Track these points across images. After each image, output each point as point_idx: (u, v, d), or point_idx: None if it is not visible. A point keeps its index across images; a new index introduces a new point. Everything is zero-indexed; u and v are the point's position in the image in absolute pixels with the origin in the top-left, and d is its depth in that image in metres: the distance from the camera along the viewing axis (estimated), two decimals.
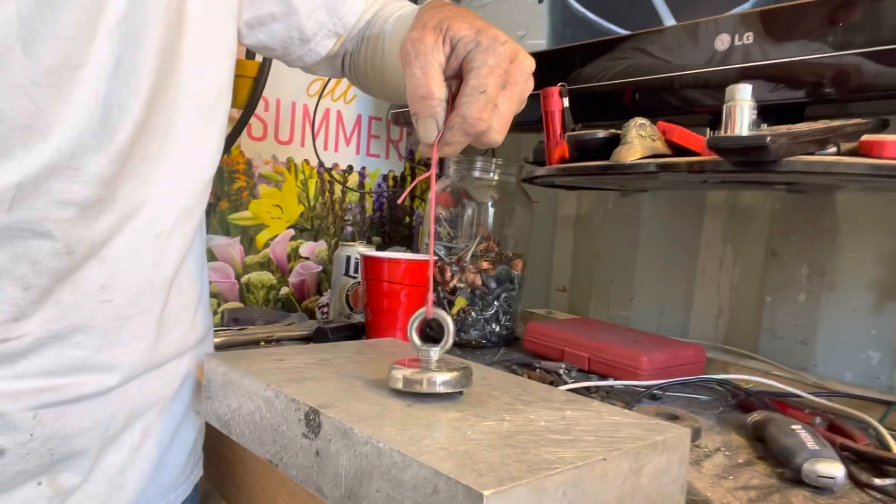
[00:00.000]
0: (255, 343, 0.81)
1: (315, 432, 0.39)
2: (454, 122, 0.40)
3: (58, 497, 0.45)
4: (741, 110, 0.57)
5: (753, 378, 0.72)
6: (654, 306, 1.04)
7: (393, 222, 1.32)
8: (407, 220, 1.34)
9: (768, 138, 0.48)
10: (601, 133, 0.67)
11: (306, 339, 0.85)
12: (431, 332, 0.79)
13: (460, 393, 0.44)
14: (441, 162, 1.37)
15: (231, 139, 1.01)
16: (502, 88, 0.40)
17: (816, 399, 0.67)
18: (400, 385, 0.42)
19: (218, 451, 0.65)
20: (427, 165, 1.35)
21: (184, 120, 0.47)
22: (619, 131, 0.67)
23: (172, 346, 0.52)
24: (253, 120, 1.08)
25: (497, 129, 0.41)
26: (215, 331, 0.82)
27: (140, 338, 0.48)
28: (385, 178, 1.29)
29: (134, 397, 0.49)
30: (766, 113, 0.62)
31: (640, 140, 0.63)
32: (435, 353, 0.45)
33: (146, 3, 0.42)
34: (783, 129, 0.55)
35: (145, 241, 0.46)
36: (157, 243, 0.47)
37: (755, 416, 0.59)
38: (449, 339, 0.45)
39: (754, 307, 0.90)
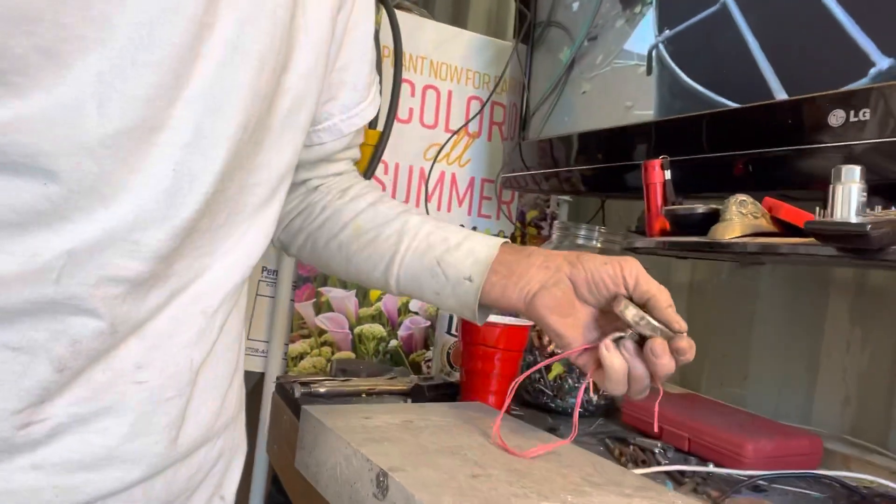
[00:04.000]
0: (356, 394, 0.86)
1: (384, 493, 0.42)
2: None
3: None
4: (848, 193, 0.55)
5: (878, 479, 0.65)
6: (772, 387, 0.97)
7: None
8: None
9: (869, 226, 0.45)
10: (700, 209, 0.66)
11: (406, 394, 0.88)
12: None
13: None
14: (540, 223, 1.39)
15: None
16: None
17: None
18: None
19: None
20: (538, 226, 1.37)
21: (252, 194, 0.45)
22: (718, 207, 0.66)
23: (200, 431, 0.46)
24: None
25: None
26: (322, 380, 0.88)
27: (170, 426, 0.42)
28: None
29: (158, 494, 0.43)
30: (890, 192, 0.58)
31: (739, 218, 0.61)
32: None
33: (236, 70, 0.40)
34: (893, 213, 0.52)
35: (189, 317, 0.42)
36: (201, 321, 0.43)
37: None
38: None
39: (885, 397, 0.82)
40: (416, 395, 0.85)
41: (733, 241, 0.58)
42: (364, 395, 0.86)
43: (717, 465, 0.71)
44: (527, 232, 1.36)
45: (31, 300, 0.35)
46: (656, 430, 0.59)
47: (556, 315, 0.50)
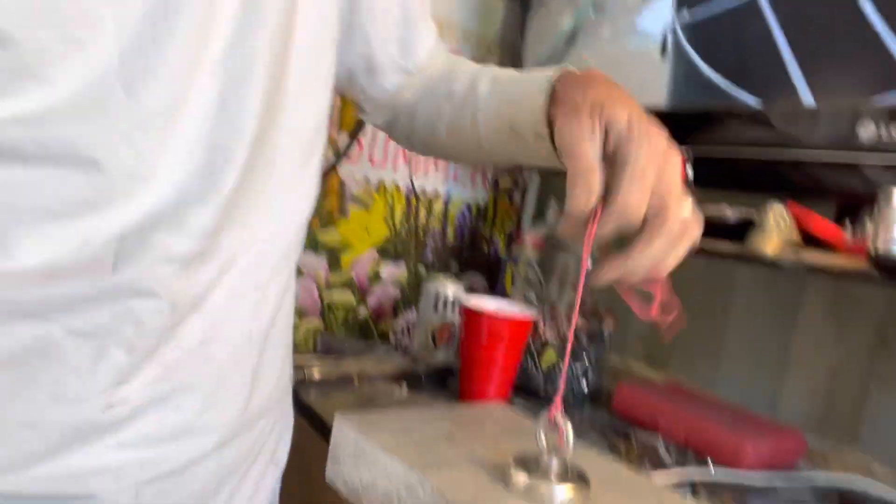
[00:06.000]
0: (348, 378, 0.82)
1: None
2: (611, 210, 0.38)
3: None
4: (894, 217, 0.55)
5: (862, 479, 0.69)
6: (742, 375, 1.01)
7: (471, 249, 1.32)
8: (486, 248, 1.34)
9: None
10: (732, 218, 0.65)
11: (397, 377, 0.85)
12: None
13: None
14: (512, 193, 1.36)
15: (335, 163, 1.02)
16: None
17: None
18: (521, 491, 0.42)
19: (319, 495, 0.66)
20: (509, 196, 1.34)
21: (285, 159, 0.44)
22: (751, 215, 0.65)
23: (262, 402, 0.49)
24: None
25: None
26: (311, 363, 0.83)
27: (236, 397, 0.45)
28: (469, 207, 1.29)
29: (226, 461, 0.46)
30: None
31: (777, 230, 0.61)
32: (555, 462, 0.43)
33: (253, 34, 0.40)
34: None
35: (244, 291, 0.44)
36: (257, 293, 0.45)
37: None
38: (569, 447, 0.43)
39: (856, 395, 0.87)
40: (411, 381, 0.82)
41: (780, 260, 0.57)
42: (356, 380, 0.82)
43: (715, 461, 0.73)
44: (498, 200, 1.33)
45: (92, 286, 0.36)
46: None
47: None
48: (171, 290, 0.38)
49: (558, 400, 0.43)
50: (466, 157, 0.61)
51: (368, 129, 1.13)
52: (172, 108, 0.36)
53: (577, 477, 0.43)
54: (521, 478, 0.43)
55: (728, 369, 1.03)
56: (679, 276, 1.15)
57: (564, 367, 0.44)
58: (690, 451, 0.75)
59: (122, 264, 0.36)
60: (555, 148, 0.46)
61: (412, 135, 0.62)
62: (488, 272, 1.35)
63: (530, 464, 0.44)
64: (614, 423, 0.82)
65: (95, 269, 0.36)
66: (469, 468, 0.46)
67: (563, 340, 0.89)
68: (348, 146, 1.04)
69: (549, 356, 0.88)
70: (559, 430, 0.42)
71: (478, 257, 1.33)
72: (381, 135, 1.15)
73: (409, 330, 1.15)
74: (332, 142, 1.06)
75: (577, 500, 0.42)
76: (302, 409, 0.71)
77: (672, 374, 1.10)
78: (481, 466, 0.46)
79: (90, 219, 0.35)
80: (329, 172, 1.05)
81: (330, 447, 0.53)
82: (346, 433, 0.51)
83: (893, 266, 0.49)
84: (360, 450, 0.49)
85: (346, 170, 1.12)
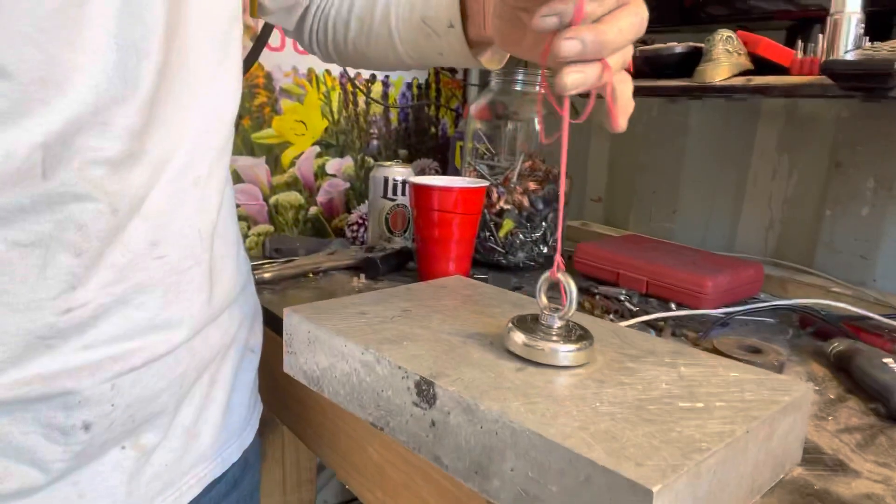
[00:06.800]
0: (303, 275, 0.79)
1: (429, 403, 0.38)
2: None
3: (142, 457, 0.45)
4: (849, 24, 0.52)
5: (820, 301, 0.70)
6: (700, 219, 1.01)
7: (419, 133, 1.26)
8: (433, 130, 1.28)
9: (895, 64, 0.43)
10: (679, 48, 0.61)
11: (354, 268, 0.82)
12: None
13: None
14: (484, 73, 1.29)
15: (255, 53, 0.94)
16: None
17: (888, 320, 0.66)
18: (519, 351, 0.41)
19: (288, 391, 0.65)
20: (451, 69, 1.27)
21: (199, 55, 0.43)
22: (699, 44, 0.61)
23: (225, 294, 0.50)
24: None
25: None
26: (261, 264, 0.80)
27: (198, 290, 0.46)
28: (409, 86, 1.22)
29: (200, 351, 0.48)
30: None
31: (726, 56, 0.58)
32: (556, 319, 0.41)
33: None
34: (889, 46, 0.50)
35: (184, 190, 0.43)
36: (197, 191, 0.45)
37: (837, 346, 0.58)
38: (572, 305, 0.40)
39: (811, 220, 0.88)
40: (368, 269, 0.80)
41: (727, 84, 0.54)
42: (311, 275, 0.80)
43: (677, 303, 0.74)
44: (440, 75, 1.26)
45: (25, 196, 0.36)
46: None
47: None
48: (106, 192, 0.38)
49: (558, 257, 0.40)
50: (378, 59, 0.62)
51: None
52: (73, 5, 0.35)
53: (579, 336, 0.41)
54: (519, 338, 0.41)
55: (686, 215, 1.03)
56: (628, 133, 1.12)
57: (560, 223, 0.41)
58: (653, 299, 0.76)
59: (50, 171, 0.36)
60: (467, 38, 0.52)
61: (324, 36, 0.64)
62: (440, 155, 1.31)
63: (528, 325, 0.42)
64: (577, 282, 0.82)
65: (24, 178, 0.35)
66: (428, 340, 0.44)
67: (519, 208, 0.87)
68: (267, 33, 0.96)
69: (507, 225, 0.87)
70: (560, 287, 0.40)
71: (427, 141, 1.28)
72: None
73: (364, 223, 1.12)
74: (249, 30, 0.97)
75: (583, 359, 0.40)
76: None
77: (632, 229, 1.10)
78: (441, 337, 0.45)
79: (10, 130, 0.34)
80: (251, 64, 0.97)
81: (284, 340, 0.51)
82: (297, 324, 0.49)
83: (845, 70, 0.46)
84: (313, 337, 0.47)
85: (270, 60, 1.04)
